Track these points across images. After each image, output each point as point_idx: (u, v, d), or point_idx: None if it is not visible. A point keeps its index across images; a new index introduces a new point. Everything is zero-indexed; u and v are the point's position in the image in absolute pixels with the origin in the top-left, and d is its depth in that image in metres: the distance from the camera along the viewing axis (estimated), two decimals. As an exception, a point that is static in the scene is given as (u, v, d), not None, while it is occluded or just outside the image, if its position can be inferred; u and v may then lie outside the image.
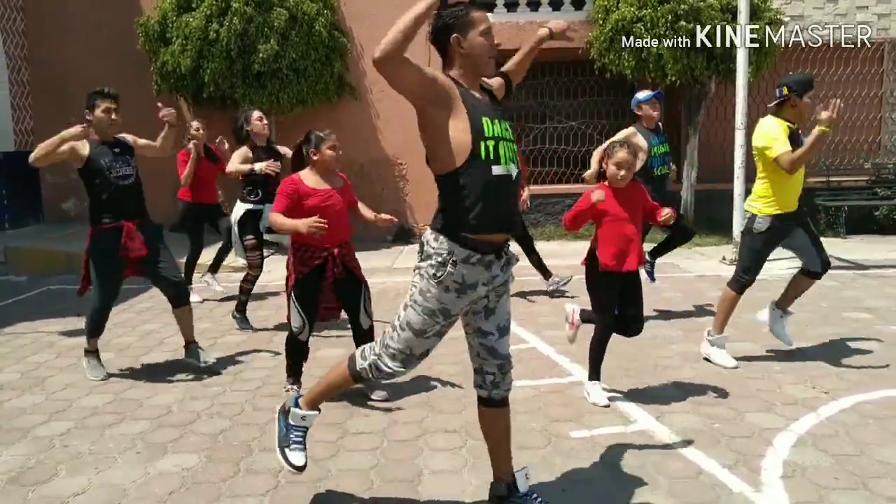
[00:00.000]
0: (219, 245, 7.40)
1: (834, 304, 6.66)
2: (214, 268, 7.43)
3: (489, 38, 2.79)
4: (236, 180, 6.23)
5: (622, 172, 4.16)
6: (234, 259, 7.45)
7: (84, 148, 4.87)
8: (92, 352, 5.03)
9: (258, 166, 5.87)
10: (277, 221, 4.19)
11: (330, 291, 4.38)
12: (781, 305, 5.13)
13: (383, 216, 4.50)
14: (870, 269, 8.34)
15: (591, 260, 4.30)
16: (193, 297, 7.17)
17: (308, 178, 4.36)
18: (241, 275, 6.39)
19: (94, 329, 4.99)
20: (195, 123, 7.20)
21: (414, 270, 2.88)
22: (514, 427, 3.95)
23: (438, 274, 2.74)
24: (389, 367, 2.91)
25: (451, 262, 2.73)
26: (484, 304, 2.92)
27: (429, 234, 2.82)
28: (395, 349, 2.89)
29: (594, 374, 4.40)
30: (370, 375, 2.98)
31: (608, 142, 4.58)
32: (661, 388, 4.57)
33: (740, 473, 3.42)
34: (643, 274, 6.05)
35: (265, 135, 6.18)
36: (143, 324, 6.42)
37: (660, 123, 6.37)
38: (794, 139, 4.73)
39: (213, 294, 7.42)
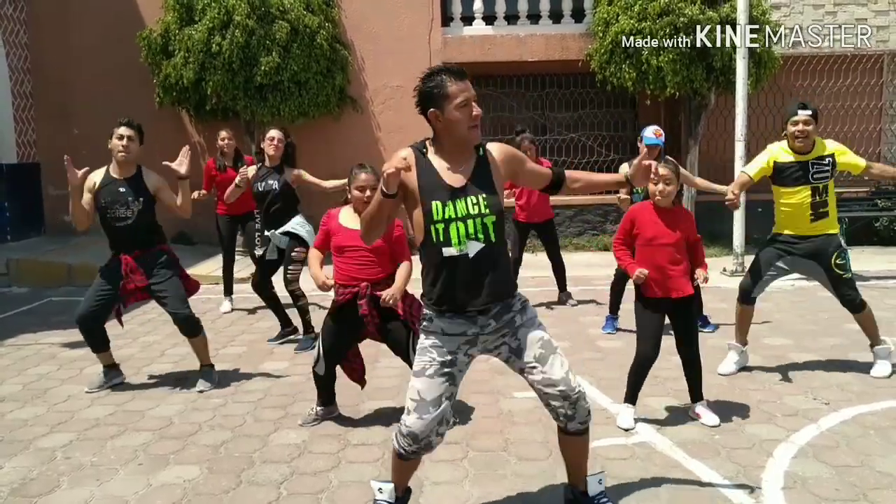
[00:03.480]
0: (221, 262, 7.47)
1: (834, 315, 6.65)
2: (228, 289, 7.48)
3: (466, 110, 2.77)
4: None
5: (659, 186, 4.03)
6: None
7: (97, 176, 4.84)
8: (104, 365, 5.05)
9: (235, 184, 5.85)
10: (310, 261, 4.39)
11: (375, 333, 4.20)
12: (872, 344, 5.10)
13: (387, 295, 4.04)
14: (870, 280, 8.34)
15: (636, 285, 4.13)
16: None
17: (345, 213, 4.27)
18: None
19: (86, 342, 5.00)
20: (223, 133, 7.34)
21: None
22: (515, 439, 3.98)
23: (424, 323, 2.95)
24: (407, 424, 2.86)
25: (428, 317, 2.93)
26: (504, 345, 2.95)
27: None
28: (408, 404, 2.89)
29: (628, 398, 4.22)
30: (402, 444, 2.90)
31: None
32: (662, 400, 4.56)
33: (741, 485, 3.42)
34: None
35: (273, 156, 5.97)
36: (144, 335, 6.43)
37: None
38: (801, 167, 4.81)
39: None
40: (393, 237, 4.16)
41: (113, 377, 5.06)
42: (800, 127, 4.74)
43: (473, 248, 2.80)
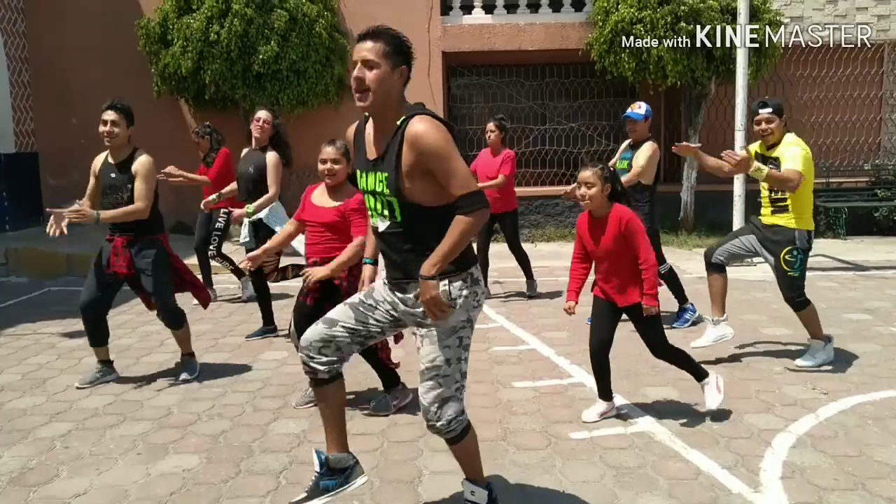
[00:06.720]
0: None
1: (834, 305, 6.67)
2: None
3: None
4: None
5: (580, 191, 3.79)
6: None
7: (99, 160, 4.80)
8: (99, 360, 4.94)
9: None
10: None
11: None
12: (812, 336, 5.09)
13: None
14: (870, 270, 8.35)
15: None
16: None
17: (318, 190, 4.30)
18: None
19: (86, 333, 4.88)
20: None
21: None
22: (514, 429, 3.99)
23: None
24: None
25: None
26: (416, 336, 2.85)
27: None
28: None
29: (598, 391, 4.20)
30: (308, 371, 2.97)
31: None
32: (661, 390, 4.57)
33: (739, 474, 3.43)
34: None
35: (259, 138, 5.75)
36: (143, 325, 6.42)
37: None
38: (761, 161, 4.84)
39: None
40: (347, 210, 4.13)
41: (106, 374, 4.94)
42: (762, 126, 4.83)
43: (382, 224, 2.78)
